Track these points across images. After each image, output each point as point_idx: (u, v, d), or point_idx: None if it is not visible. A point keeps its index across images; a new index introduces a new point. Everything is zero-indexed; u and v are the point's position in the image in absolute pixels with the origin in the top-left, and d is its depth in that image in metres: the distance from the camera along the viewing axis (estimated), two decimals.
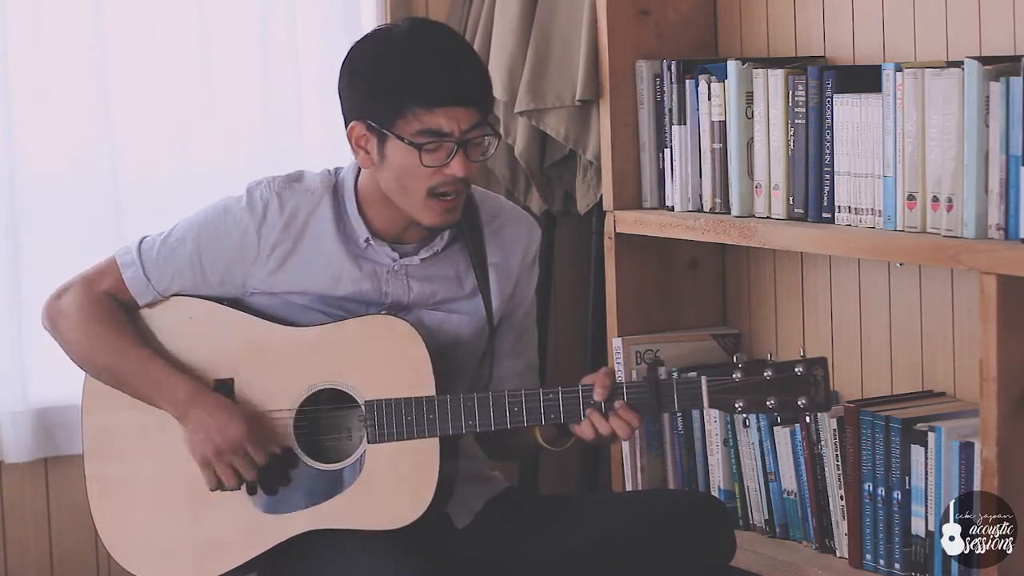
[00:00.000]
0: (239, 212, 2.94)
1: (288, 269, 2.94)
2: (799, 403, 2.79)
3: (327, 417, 2.93)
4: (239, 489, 2.91)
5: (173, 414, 2.93)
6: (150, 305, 2.99)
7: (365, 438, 2.88)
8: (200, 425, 2.90)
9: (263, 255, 2.94)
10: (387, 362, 2.88)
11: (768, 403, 2.79)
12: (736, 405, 2.80)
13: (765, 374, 2.79)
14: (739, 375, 2.79)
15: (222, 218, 2.95)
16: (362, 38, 2.92)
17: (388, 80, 2.83)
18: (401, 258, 2.95)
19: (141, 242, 2.99)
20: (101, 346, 2.95)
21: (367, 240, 2.93)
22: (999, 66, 2.94)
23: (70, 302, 2.97)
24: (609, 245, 3.71)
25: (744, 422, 3.51)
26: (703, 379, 2.80)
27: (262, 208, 2.93)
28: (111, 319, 2.96)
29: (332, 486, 2.89)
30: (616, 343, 3.68)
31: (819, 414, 3.35)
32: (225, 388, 2.94)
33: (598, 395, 2.82)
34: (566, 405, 2.83)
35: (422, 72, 2.81)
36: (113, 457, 3.00)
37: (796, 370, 2.78)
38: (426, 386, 2.86)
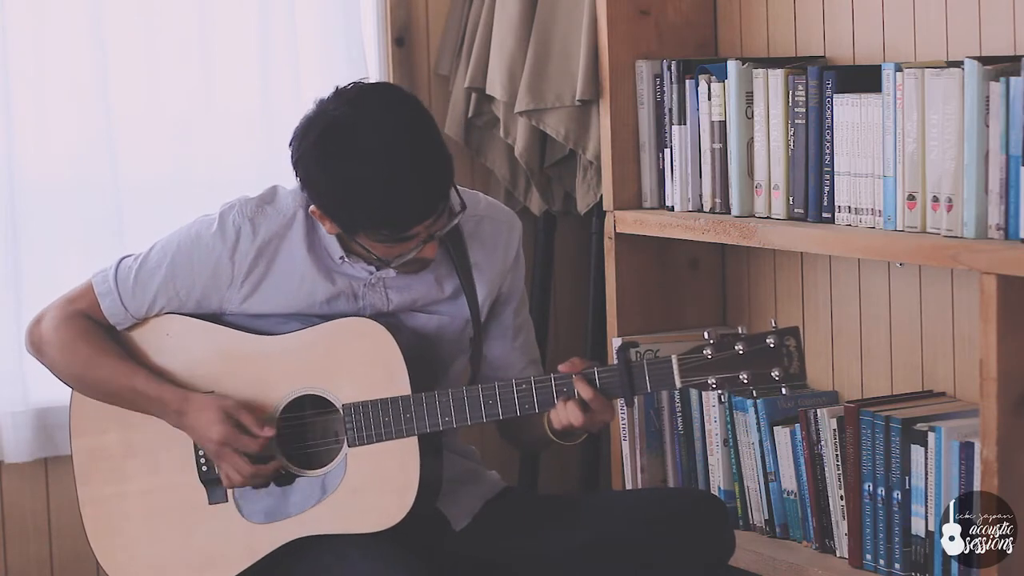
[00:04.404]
0: (211, 239, 2.94)
1: (262, 293, 2.95)
2: (773, 375, 2.75)
3: (312, 423, 2.94)
4: (266, 486, 2.92)
5: (171, 424, 2.95)
6: (128, 327, 3.01)
7: (346, 442, 2.89)
8: (194, 433, 2.93)
9: (237, 281, 2.94)
10: (361, 364, 2.89)
11: (741, 378, 2.76)
12: (709, 382, 2.77)
13: (736, 348, 2.75)
14: (710, 352, 2.77)
15: (195, 245, 2.95)
16: (307, 141, 2.79)
17: (344, 217, 2.81)
18: (378, 271, 2.94)
19: (118, 268, 2.99)
20: (87, 366, 2.97)
21: (342, 257, 2.93)
22: (999, 66, 2.94)
23: (49, 327, 2.99)
24: (609, 245, 3.71)
25: (744, 421, 3.52)
26: (673, 358, 2.77)
27: (234, 234, 2.93)
28: (92, 338, 2.97)
29: (318, 492, 2.90)
30: (616, 343, 3.68)
31: (819, 411, 3.35)
32: None
33: (564, 368, 2.81)
34: (539, 395, 2.82)
35: (378, 219, 2.77)
36: (104, 479, 3.02)
37: (768, 341, 2.75)
38: (401, 385, 2.86)
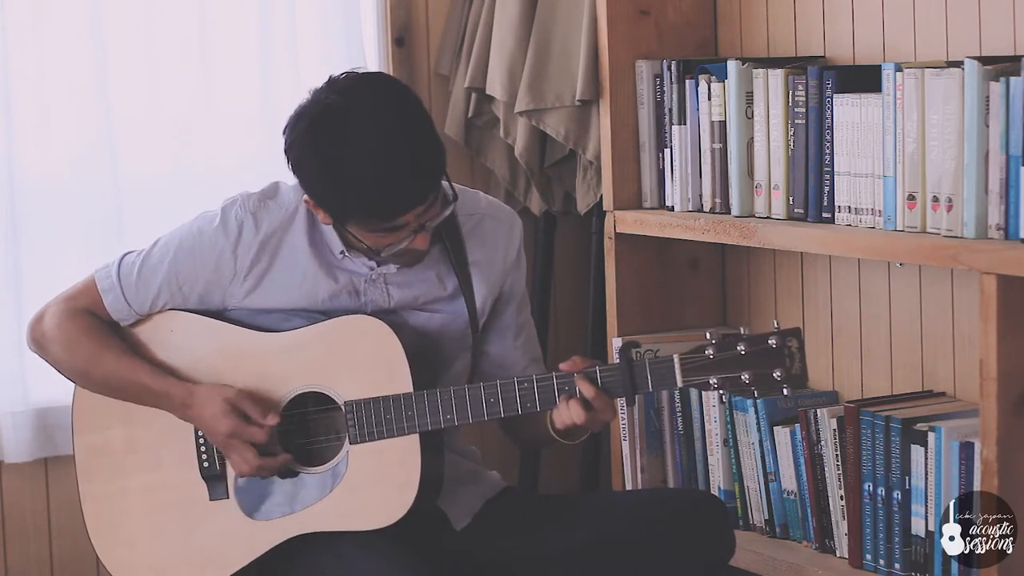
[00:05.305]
0: (214, 233, 2.94)
1: (264, 287, 2.95)
2: (775, 375, 2.75)
3: (314, 420, 2.94)
4: (271, 476, 2.92)
5: (177, 417, 2.95)
6: (131, 323, 3.01)
7: (347, 439, 2.89)
8: (201, 426, 2.93)
9: (239, 276, 2.94)
10: (364, 361, 2.89)
11: (743, 378, 2.76)
12: (711, 382, 2.77)
13: (738, 348, 2.75)
14: (712, 351, 2.76)
15: (197, 240, 2.95)
16: (299, 128, 2.80)
17: (334, 204, 2.81)
18: (379, 266, 2.94)
19: (120, 263, 2.99)
20: (90, 362, 2.97)
21: (342, 252, 2.93)
22: (999, 66, 2.94)
23: (52, 323, 2.99)
24: (609, 245, 3.71)
25: (744, 421, 3.52)
26: (675, 357, 2.77)
27: (237, 229, 2.94)
28: (95, 334, 2.97)
29: (319, 489, 2.90)
30: (616, 343, 3.68)
31: (819, 411, 3.35)
32: None
33: (565, 366, 2.81)
34: (541, 393, 2.82)
35: (368, 204, 2.78)
36: (105, 476, 3.02)
37: (770, 342, 2.75)
38: (403, 383, 2.86)
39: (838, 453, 3.32)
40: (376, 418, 2.87)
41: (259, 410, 2.90)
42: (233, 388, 2.91)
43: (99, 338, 2.97)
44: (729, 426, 3.55)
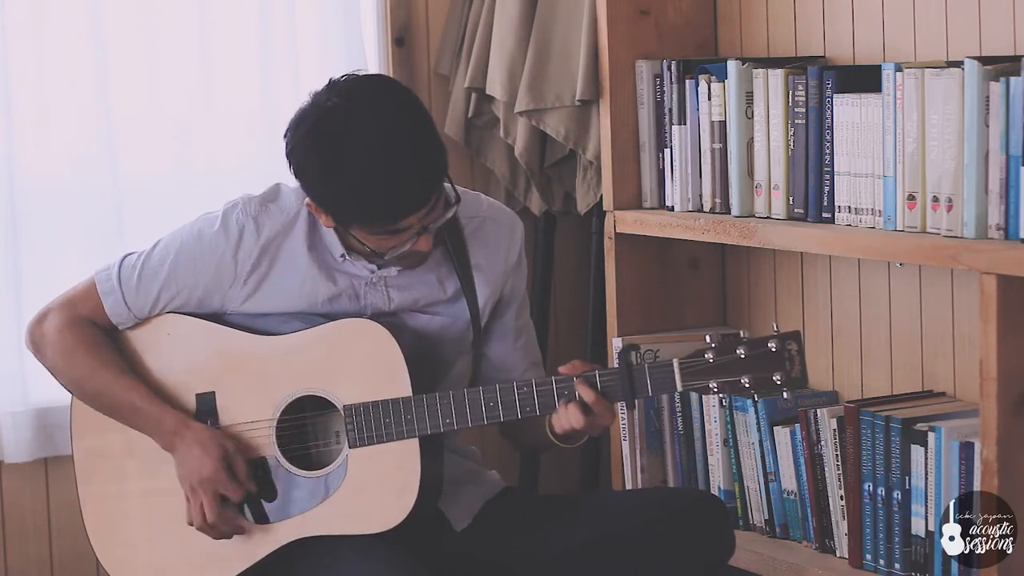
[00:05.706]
0: (215, 237, 2.94)
1: (264, 291, 2.94)
2: (775, 379, 2.75)
3: (312, 424, 2.94)
4: (219, 536, 2.92)
5: (160, 444, 2.94)
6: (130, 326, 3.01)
7: (347, 443, 2.88)
8: (182, 459, 2.92)
9: (240, 280, 2.94)
10: (363, 365, 2.89)
11: (743, 382, 2.76)
12: (711, 386, 2.77)
13: (738, 352, 2.75)
14: (712, 355, 2.76)
15: (198, 243, 2.95)
16: (300, 131, 2.80)
17: (336, 207, 2.81)
18: (379, 269, 2.94)
19: (121, 266, 2.98)
20: (87, 375, 2.96)
21: (343, 255, 2.93)
22: (999, 66, 2.94)
23: (52, 329, 2.98)
24: (609, 245, 3.71)
25: (744, 421, 3.52)
26: (675, 362, 2.77)
27: (238, 233, 2.93)
28: (94, 347, 2.96)
29: (319, 493, 2.90)
30: (616, 343, 3.68)
31: (819, 411, 3.35)
32: (207, 401, 2.95)
33: (565, 369, 2.81)
34: (540, 397, 2.82)
35: (371, 208, 2.77)
36: (104, 479, 3.01)
37: (769, 345, 2.75)
38: (402, 387, 2.86)
39: (838, 453, 3.32)
40: (376, 422, 2.86)
41: (247, 472, 2.90)
42: (232, 441, 2.91)
43: (96, 352, 2.96)
44: (729, 426, 3.55)
